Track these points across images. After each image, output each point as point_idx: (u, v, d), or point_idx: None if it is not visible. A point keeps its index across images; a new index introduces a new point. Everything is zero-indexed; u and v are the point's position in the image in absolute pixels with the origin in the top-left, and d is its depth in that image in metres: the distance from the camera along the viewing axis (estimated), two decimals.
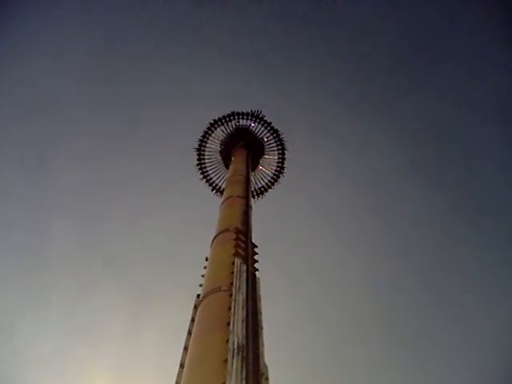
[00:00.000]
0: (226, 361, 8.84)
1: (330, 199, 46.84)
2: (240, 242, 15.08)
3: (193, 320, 12.18)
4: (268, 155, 35.46)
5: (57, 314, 39.64)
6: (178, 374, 10.38)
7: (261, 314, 11.58)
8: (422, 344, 40.26)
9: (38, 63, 43.33)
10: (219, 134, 34.55)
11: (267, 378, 9.10)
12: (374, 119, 47.58)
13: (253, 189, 32.69)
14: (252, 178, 31.03)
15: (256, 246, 16.09)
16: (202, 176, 35.52)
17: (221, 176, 34.92)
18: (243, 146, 31.83)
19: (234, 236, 15.46)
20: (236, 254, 14.02)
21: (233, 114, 34.32)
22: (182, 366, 10.60)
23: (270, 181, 35.94)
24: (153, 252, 44.30)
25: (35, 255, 41.10)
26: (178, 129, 46.16)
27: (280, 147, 35.35)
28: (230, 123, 34.28)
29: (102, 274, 42.65)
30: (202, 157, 35.37)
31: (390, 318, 42.12)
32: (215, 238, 16.42)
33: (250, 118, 34.40)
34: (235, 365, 8.63)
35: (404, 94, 47.22)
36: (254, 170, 33.76)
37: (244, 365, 8.74)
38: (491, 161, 43.74)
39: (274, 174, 35.88)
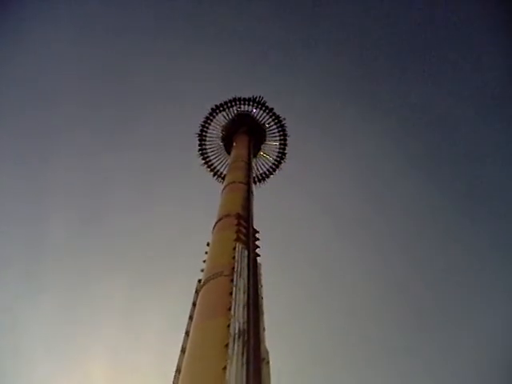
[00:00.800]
0: (227, 345, 8.85)
1: (331, 186, 46.80)
2: (241, 228, 15.05)
3: (194, 305, 12.20)
4: (270, 141, 35.26)
5: (57, 300, 39.90)
6: (180, 359, 10.42)
7: (262, 299, 11.57)
8: (422, 332, 40.55)
9: (37, 56, 43.06)
10: (221, 120, 34.38)
11: (268, 363, 9.11)
12: (377, 108, 47.35)
13: (254, 175, 32.75)
14: (253, 164, 30.90)
15: (257, 232, 16.07)
16: (203, 162, 35.36)
17: (222, 162, 34.77)
18: (245, 132, 31.57)
19: (235, 221, 15.42)
20: (237, 240, 13.98)
21: (234, 99, 34.14)
22: (183, 350, 10.63)
23: (271, 167, 35.82)
24: (153, 238, 44.43)
25: (35, 242, 41.25)
26: (180, 116, 45.88)
27: (281, 133, 35.05)
28: (231, 109, 34.03)
29: (102, 260, 42.85)
30: (203, 142, 35.23)
31: (389, 305, 42.32)
32: (216, 223, 16.40)
33: (251, 103, 34.16)
34: (236, 349, 8.63)
35: (406, 84, 46.93)
36: (255, 155, 33.47)
37: (245, 349, 8.74)
38: (492, 153, 43.52)
39: (276, 160, 35.71)
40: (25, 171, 42.96)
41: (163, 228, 44.49)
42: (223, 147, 34.23)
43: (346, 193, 46.93)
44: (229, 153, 32.09)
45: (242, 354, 8.52)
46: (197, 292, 12.67)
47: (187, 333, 11.13)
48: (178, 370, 9.97)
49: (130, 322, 40.46)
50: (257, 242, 15.26)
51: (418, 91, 46.13)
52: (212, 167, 35.41)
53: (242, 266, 12.13)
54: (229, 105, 34.20)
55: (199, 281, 13.21)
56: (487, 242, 41.61)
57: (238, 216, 15.91)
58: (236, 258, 12.56)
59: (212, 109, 34.63)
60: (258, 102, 34.21)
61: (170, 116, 47.36)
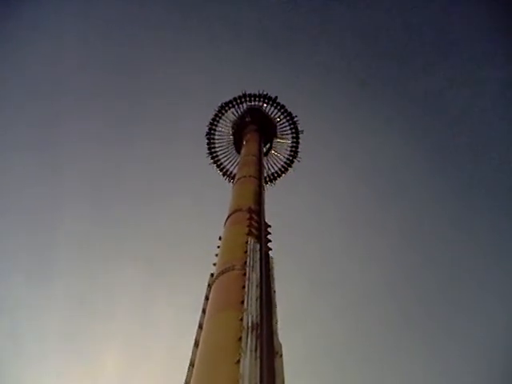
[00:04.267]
0: (240, 339, 8.85)
1: (341, 182, 46.46)
2: (253, 222, 15.03)
3: (207, 298, 12.23)
4: (281, 139, 34.24)
5: (70, 289, 40.42)
6: (193, 352, 10.46)
7: (274, 292, 11.56)
8: (432, 328, 40.28)
9: (46, 47, 43.33)
10: (230, 117, 33.37)
11: (281, 356, 9.10)
12: (386, 105, 46.91)
13: (265, 175, 31.25)
14: (264, 163, 29.89)
15: (269, 226, 16.05)
16: (212, 161, 34.33)
17: (232, 161, 33.76)
18: (255, 130, 30.49)
19: (247, 215, 15.41)
20: (249, 234, 13.97)
21: (244, 95, 33.06)
22: (196, 344, 10.67)
23: (283, 166, 34.62)
24: (166, 232, 44.68)
25: (49, 230, 41.74)
26: (189, 113, 45.88)
27: (294, 131, 33.88)
28: (241, 105, 33.00)
29: (116, 252, 43.27)
30: (212, 141, 34.23)
31: (401, 302, 41.99)
32: (228, 217, 16.41)
33: (261, 100, 33.02)
34: (249, 343, 8.63)
35: (415, 77, 46.41)
36: (266, 154, 32.58)
37: (258, 343, 8.74)
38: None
39: (288, 159, 34.51)
40: (38, 158, 43.49)
41: (176, 220, 44.71)
42: (233, 145, 33.17)
43: (355, 189, 46.68)
44: (239, 152, 31.04)
45: (256, 347, 8.52)
46: (209, 286, 12.70)
47: (200, 326, 11.17)
48: (192, 364, 10.02)
49: (144, 312, 40.92)
50: (269, 236, 15.26)
51: (431, 84, 45.60)
52: (221, 167, 34.38)
53: (254, 259, 12.12)
54: (238, 101, 33.14)
55: (212, 275, 13.25)
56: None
57: (250, 210, 15.89)
58: (248, 252, 12.55)
59: (221, 106, 33.61)
60: (269, 99, 33.06)
61: (181, 107, 47.41)
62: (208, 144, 34.37)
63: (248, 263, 11.87)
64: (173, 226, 44.68)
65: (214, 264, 13.78)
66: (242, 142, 29.93)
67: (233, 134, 33.09)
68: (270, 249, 14.42)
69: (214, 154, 34.44)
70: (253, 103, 33.25)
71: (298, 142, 34.32)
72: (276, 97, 33.28)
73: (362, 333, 39.85)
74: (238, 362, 8.16)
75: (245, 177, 20.64)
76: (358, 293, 42.03)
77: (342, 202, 46.35)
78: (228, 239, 14.75)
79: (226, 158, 34.25)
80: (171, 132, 48.26)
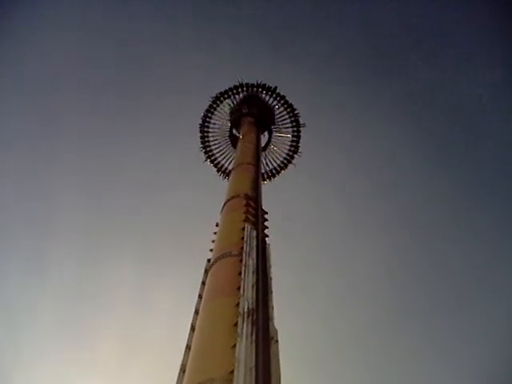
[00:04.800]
0: (236, 324, 8.94)
1: (340, 174, 46.35)
2: (250, 208, 15.07)
3: (203, 283, 12.33)
4: (280, 133, 32.00)
5: (66, 279, 40.53)
6: (189, 336, 10.57)
7: (271, 278, 11.62)
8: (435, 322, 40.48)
9: (42, 40, 43.01)
10: (226, 110, 31.08)
11: (277, 341, 9.19)
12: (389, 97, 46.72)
13: (263, 171, 29.77)
14: (263, 158, 28.70)
15: (266, 213, 16.10)
16: (206, 156, 31.87)
17: (227, 157, 31.44)
18: (253, 122, 28.08)
19: (244, 202, 15.44)
20: (246, 220, 14.02)
21: (241, 85, 30.71)
22: (192, 328, 10.79)
23: (282, 162, 32.13)
24: (164, 216, 44.81)
25: (45, 219, 41.75)
26: (189, 107, 45.29)
27: (295, 124, 31.47)
28: (237, 96, 30.58)
29: (113, 238, 43.31)
30: (205, 135, 31.91)
31: (400, 293, 42.20)
32: (225, 203, 16.44)
33: (260, 90, 30.67)
34: (245, 328, 8.71)
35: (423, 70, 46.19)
36: (264, 149, 30.59)
37: (254, 328, 8.82)
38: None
39: (288, 155, 31.98)
40: (36, 151, 43.39)
41: (174, 208, 44.73)
42: (228, 139, 30.85)
43: (357, 181, 46.64)
44: (235, 146, 28.50)
45: (251, 332, 8.61)
46: (206, 271, 12.80)
47: (197, 311, 11.28)
48: (188, 347, 10.13)
49: (141, 298, 41.08)
50: (265, 223, 15.31)
51: (434, 77, 45.44)
52: (215, 162, 31.96)
53: (251, 246, 12.18)
54: (234, 91, 30.78)
55: (208, 260, 13.32)
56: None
57: (247, 197, 15.93)
58: (245, 238, 12.61)
59: (215, 96, 31.20)
60: (268, 89, 30.78)
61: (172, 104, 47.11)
62: (202, 138, 32.05)
63: (245, 249, 11.94)
64: (170, 214, 44.76)
65: (211, 250, 13.85)
66: (238, 138, 27.89)
67: (230, 129, 30.88)
68: (267, 235, 14.48)
69: (209, 149, 32.08)
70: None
71: (299, 136, 31.94)
72: (276, 87, 31.08)
73: (359, 326, 40.16)
74: (234, 346, 8.25)
75: (242, 164, 20.62)
76: (355, 286, 42.26)
77: (340, 194, 46.26)
78: (225, 225, 14.80)
79: (220, 153, 32.03)
80: (170, 125, 48.13)
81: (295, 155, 32.14)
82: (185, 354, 10.01)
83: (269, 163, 31.96)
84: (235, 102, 30.83)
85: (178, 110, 45.46)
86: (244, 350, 8.05)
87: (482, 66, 42.81)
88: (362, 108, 47.41)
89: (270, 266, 12.32)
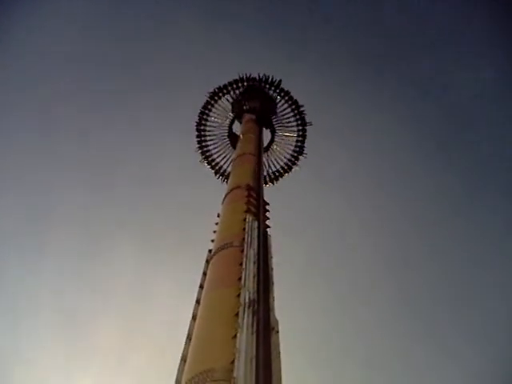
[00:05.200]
0: (237, 314, 8.93)
1: (342, 168, 46.16)
2: (251, 199, 15.03)
3: (205, 274, 12.32)
4: (282, 131, 29.97)
5: (66, 266, 40.69)
6: (190, 326, 10.58)
7: (272, 269, 11.62)
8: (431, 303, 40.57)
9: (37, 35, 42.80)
10: (226, 107, 29.24)
11: (277, 332, 9.19)
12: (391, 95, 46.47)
13: (266, 174, 27.67)
14: (265, 159, 25.92)
15: (267, 204, 16.07)
16: (203, 157, 29.79)
17: (226, 157, 29.42)
18: (254, 120, 25.85)
19: (245, 193, 15.41)
20: (247, 211, 13.98)
21: (241, 79, 28.60)
22: (193, 318, 10.80)
23: (286, 164, 29.99)
24: (165, 208, 44.82)
25: (46, 206, 41.85)
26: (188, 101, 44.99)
27: (300, 121, 29.28)
28: (237, 90, 28.62)
29: (113, 229, 43.35)
30: (203, 132, 29.72)
31: (398, 283, 42.20)
32: (227, 194, 16.43)
33: (262, 85, 28.52)
34: (246, 319, 8.71)
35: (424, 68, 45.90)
36: (267, 149, 28.64)
37: (255, 319, 8.81)
38: None
39: (292, 156, 29.89)
40: (36, 142, 43.40)
41: (176, 196, 44.70)
42: (228, 139, 28.96)
43: (357, 177, 46.58)
44: (234, 146, 26.62)
45: (252, 323, 8.60)
46: (207, 262, 12.79)
47: (198, 301, 11.27)
48: (189, 337, 10.15)
49: (142, 290, 41.20)
50: (267, 214, 15.29)
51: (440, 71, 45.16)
52: (213, 163, 29.75)
53: (252, 237, 12.15)
54: (235, 86, 28.72)
55: (210, 251, 13.31)
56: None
57: (249, 187, 15.89)
58: (246, 229, 12.58)
59: (213, 92, 29.01)
60: (272, 83, 28.54)
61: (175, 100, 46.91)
62: (198, 137, 29.93)
63: (246, 240, 11.91)
64: (172, 202, 44.75)
65: (213, 240, 13.84)
66: (238, 137, 25.96)
67: (229, 128, 29.24)
68: (269, 226, 14.48)
69: (206, 149, 29.97)
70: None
71: (304, 136, 29.59)
72: (280, 80, 28.64)
73: (359, 319, 40.23)
74: (235, 336, 8.25)
75: (244, 154, 20.55)
76: (356, 280, 42.28)
77: (342, 189, 46.25)
78: (226, 216, 14.78)
79: (218, 155, 30.00)
80: (169, 120, 47.99)
81: (300, 156, 30.01)
82: (185, 344, 10.02)
83: (271, 165, 29.80)
84: (235, 98, 28.99)
85: (178, 105, 45.39)
86: (245, 340, 8.04)
87: (483, 65, 42.63)
88: (363, 105, 47.27)
89: (271, 257, 12.32)
